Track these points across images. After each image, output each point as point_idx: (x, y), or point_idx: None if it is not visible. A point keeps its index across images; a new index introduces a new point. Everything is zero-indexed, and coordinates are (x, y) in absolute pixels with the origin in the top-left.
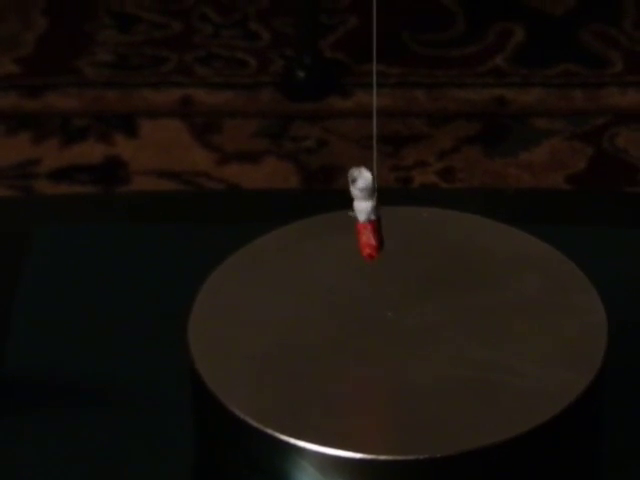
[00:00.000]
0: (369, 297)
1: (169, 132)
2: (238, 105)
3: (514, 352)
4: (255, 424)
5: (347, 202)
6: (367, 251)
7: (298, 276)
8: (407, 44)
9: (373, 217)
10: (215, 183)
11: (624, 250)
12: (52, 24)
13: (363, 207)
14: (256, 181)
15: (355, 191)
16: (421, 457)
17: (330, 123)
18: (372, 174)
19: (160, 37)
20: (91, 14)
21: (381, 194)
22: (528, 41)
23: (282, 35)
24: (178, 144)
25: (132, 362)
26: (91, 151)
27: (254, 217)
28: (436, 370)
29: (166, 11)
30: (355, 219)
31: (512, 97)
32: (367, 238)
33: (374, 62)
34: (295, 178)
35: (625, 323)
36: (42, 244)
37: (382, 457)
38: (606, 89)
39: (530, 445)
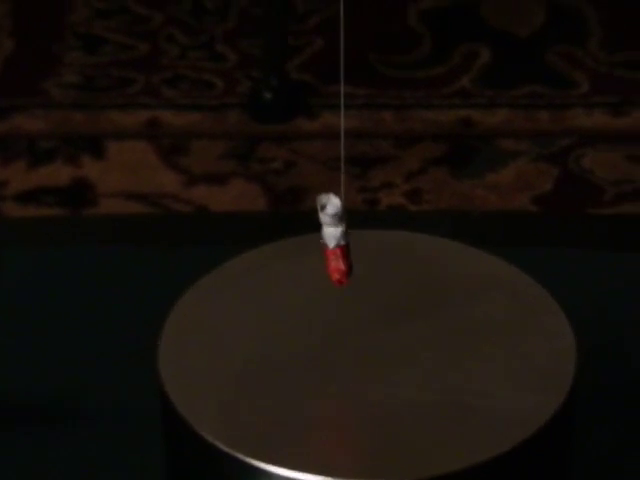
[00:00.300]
0: (338, 320)
1: (136, 154)
2: (205, 127)
3: (483, 375)
4: (225, 448)
5: (315, 224)
6: (336, 276)
7: (267, 299)
8: (374, 65)
9: (342, 243)
10: (182, 205)
11: (591, 272)
12: (19, 45)
13: (332, 233)
14: (223, 203)
15: (324, 217)
16: None
17: (297, 144)
18: (341, 200)
19: (127, 59)
20: (58, 35)
21: (348, 216)
22: (494, 62)
23: (249, 56)
24: (145, 166)
25: (101, 385)
26: (58, 173)
27: (223, 239)
28: (405, 393)
29: (133, 33)
30: (324, 245)
31: (478, 118)
32: (336, 264)
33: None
34: (263, 200)
35: (593, 344)
36: (9, 267)
37: None
38: (572, 110)
39: (501, 469)
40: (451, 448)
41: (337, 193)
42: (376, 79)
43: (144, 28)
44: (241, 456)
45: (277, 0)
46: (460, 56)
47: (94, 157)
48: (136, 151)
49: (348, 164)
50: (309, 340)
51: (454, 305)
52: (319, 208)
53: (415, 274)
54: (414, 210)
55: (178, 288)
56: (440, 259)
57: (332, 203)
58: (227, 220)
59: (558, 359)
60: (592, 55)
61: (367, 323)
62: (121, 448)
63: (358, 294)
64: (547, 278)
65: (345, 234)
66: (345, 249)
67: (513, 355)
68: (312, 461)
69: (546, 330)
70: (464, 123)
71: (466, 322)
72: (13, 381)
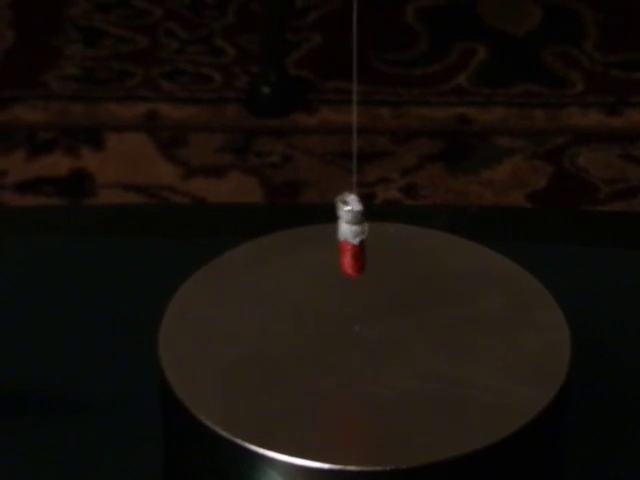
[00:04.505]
0: (336, 311)
1: (135, 146)
2: (203, 120)
3: (478, 367)
4: (224, 434)
5: (313, 217)
6: (349, 271)
7: (266, 290)
8: (372, 62)
9: (361, 239)
10: (180, 197)
11: (585, 267)
12: (19, 37)
13: (351, 229)
14: (221, 195)
15: (344, 214)
16: (387, 468)
17: (294, 139)
18: (357, 198)
19: (126, 52)
20: (58, 28)
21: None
22: (490, 61)
23: (247, 51)
24: (144, 158)
25: (101, 373)
26: (57, 163)
27: (221, 231)
28: (402, 383)
29: (132, 26)
30: (342, 240)
31: (474, 116)
32: (351, 259)
33: (354, 81)
34: (259, 192)
35: (587, 339)
36: (7, 255)
37: (350, 468)
38: (567, 109)
39: (493, 458)
40: (446, 437)
41: (335, 186)
42: (373, 76)
43: (144, 22)
44: (240, 441)
45: None
46: (457, 54)
47: (93, 148)
48: (135, 143)
49: (344, 159)
50: (308, 329)
51: (450, 297)
52: (339, 203)
53: (412, 266)
54: (410, 204)
55: (177, 278)
56: (437, 252)
57: (353, 203)
58: (225, 212)
59: (553, 352)
60: (587, 55)
61: (364, 314)
62: (120, 435)
63: (356, 285)
64: (542, 272)
65: (364, 231)
66: (361, 245)
67: (508, 347)
68: (311, 448)
69: (541, 323)
70: (460, 120)
71: (462, 314)
72: (11, 370)
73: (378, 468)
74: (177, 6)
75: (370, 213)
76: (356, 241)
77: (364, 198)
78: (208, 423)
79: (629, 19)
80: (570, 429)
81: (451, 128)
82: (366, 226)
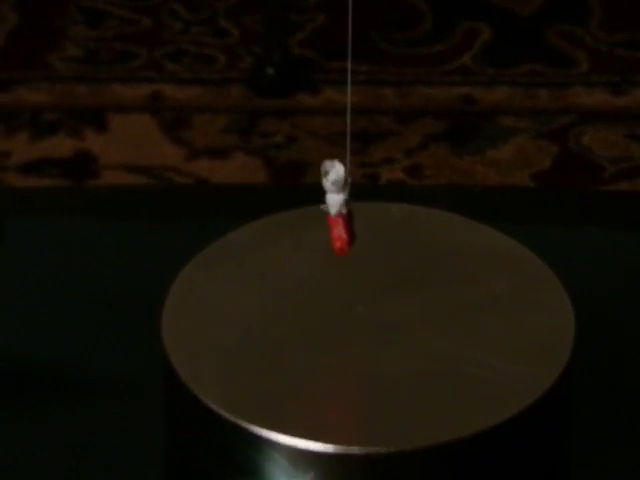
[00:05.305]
0: (340, 291)
1: (139, 127)
2: (207, 101)
3: (483, 347)
4: (227, 416)
5: (316, 197)
6: (338, 244)
7: (270, 270)
8: (375, 42)
9: (344, 210)
10: (184, 178)
11: (589, 247)
12: (23, 19)
13: (335, 200)
14: (225, 176)
15: (327, 184)
16: (391, 450)
17: (299, 119)
18: (344, 168)
19: (130, 33)
20: (61, 9)
21: (350, 188)
22: (495, 40)
23: (251, 32)
24: (148, 139)
25: (104, 355)
26: (61, 145)
27: (225, 211)
28: (406, 364)
29: (136, 7)
30: (327, 213)
31: (479, 96)
32: (338, 231)
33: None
34: (263, 173)
35: (591, 319)
36: (12, 237)
37: (353, 449)
38: (572, 89)
39: (498, 438)
40: (450, 417)
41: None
42: (377, 55)
43: (147, 3)
44: (243, 423)
45: None
46: (461, 34)
47: (97, 130)
48: (139, 124)
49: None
50: (311, 310)
51: (454, 277)
52: (322, 174)
53: (416, 247)
54: (414, 184)
55: (181, 259)
56: (441, 232)
57: (336, 170)
58: (229, 192)
59: (557, 332)
60: (592, 34)
61: (368, 294)
62: (123, 417)
63: (359, 265)
64: (546, 252)
65: (347, 202)
66: (347, 217)
67: (512, 328)
68: (314, 429)
69: (545, 303)
70: (465, 100)
71: (466, 294)
72: (15, 350)
73: (381, 450)
74: None
75: (374, 193)
76: (337, 212)
77: (368, 178)
78: (211, 405)
79: None
80: (574, 409)
81: (456, 108)
82: (346, 196)
